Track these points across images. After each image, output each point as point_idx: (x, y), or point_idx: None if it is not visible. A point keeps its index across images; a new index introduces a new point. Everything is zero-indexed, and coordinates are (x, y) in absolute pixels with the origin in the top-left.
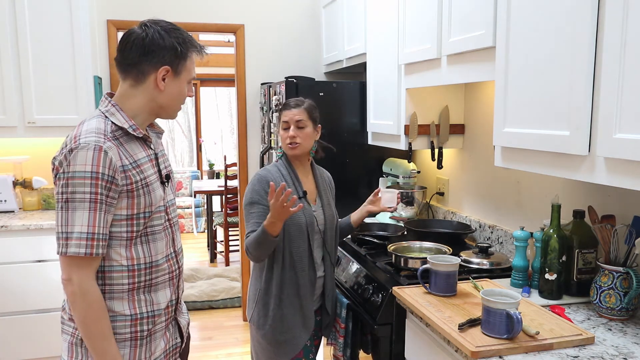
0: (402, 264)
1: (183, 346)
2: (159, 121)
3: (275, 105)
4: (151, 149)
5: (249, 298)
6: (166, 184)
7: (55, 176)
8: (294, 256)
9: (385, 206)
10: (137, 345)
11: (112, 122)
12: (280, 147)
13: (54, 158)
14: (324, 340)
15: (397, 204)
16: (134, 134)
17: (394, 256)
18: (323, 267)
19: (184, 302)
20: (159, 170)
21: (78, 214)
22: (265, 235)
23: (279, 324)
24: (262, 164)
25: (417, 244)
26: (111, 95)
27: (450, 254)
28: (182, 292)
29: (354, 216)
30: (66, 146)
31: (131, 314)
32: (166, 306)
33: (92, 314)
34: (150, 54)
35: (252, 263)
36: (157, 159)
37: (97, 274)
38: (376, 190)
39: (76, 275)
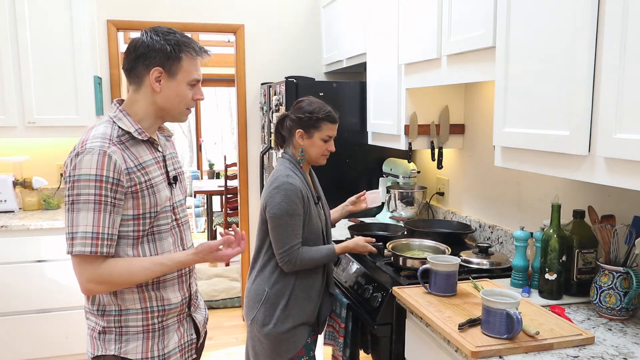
0: (402, 264)
1: (200, 342)
2: (169, 124)
3: (275, 105)
4: (159, 151)
5: (250, 299)
6: (174, 185)
7: (64, 180)
8: None
9: (370, 206)
10: (149, 338)
11: (119, 126)
12: (301, 151)
13: (65, 162)
14: (322, 340)
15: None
16: (139, 137)
17: (393, 255)
18: None
19: None
20: (167, 172)
21: (82, 214)
22: (333, 257)
23: (282, 322)
24: (262, 164)
25: (416, 241)
26: (121, 101)
27: (450, 254)
28: (196, 288)
29: (334, 214)
30: (74, 150)
31: (142, 307)
32: (179, 303)
33: (125, 280)
34: (142, 57)
35: (253, 263)
36: (164, 160)
37: None
38: (361, 193)
39: (87, 272)
